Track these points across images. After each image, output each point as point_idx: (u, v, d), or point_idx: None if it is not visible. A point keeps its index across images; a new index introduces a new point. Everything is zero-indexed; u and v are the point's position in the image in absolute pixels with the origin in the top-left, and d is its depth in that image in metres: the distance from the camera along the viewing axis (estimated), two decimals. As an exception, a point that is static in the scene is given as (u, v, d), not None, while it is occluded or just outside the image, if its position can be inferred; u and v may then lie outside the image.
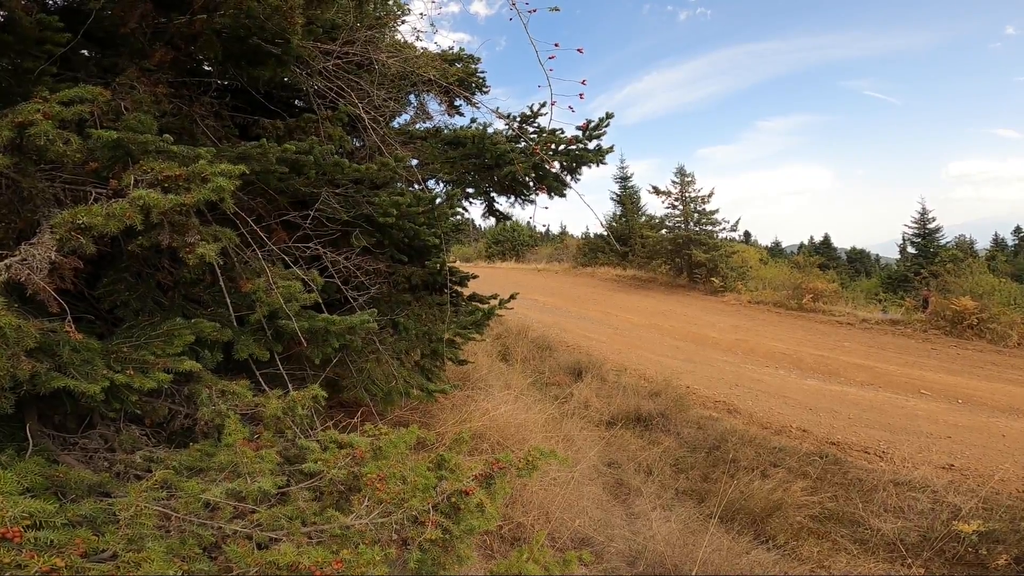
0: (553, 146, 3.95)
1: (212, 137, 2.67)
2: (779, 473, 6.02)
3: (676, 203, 19.23)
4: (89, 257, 2.24)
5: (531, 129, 4.29)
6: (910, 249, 23.37)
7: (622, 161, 23.81)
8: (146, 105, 2.36)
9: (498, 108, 4.38)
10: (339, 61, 3.49)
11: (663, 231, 19.67)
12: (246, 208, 2.40)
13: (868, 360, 10.36)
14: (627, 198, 22.89)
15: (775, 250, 30.49)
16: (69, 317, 1.68)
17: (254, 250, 2.25)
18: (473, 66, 4.63)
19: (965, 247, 21.87)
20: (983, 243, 26.14)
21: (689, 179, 19.08)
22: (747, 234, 30.05)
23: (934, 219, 23.13)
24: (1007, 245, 26.00)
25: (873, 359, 10.44)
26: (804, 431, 7.28)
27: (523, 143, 4.14)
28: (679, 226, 19.14)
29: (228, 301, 2.18)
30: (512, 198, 4.28)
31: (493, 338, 9.33)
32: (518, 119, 4.35)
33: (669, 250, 18.92)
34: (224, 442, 1.72)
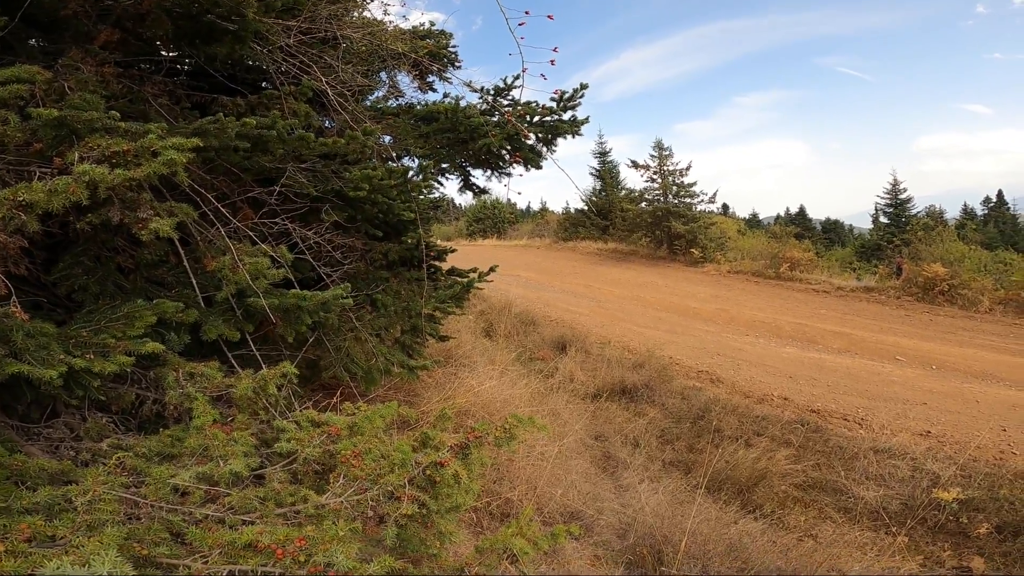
0: (528, 117, 3.88)
1: (167, 116, 2.55)
2: (763, 442, 6.10)
3: (655, 176, 19.24)
4: (44, 242, 2.14)
5: (505, 102, 4.20)
6: (882, 219, 23.92)
7: (600, 136, 23.73)
8: (92, 85, 2.23)
9: (471, 81, 4.28)
10: (302, 37, 3.35)
11: (643, 204, 19.72)
12: (208, 186, 2.31)
13: (844, 327, 10.59)
14: (606, 172, 22.83)
15: (753, 222, 30.83)
16: (14, 298, 1.59)
17: (218, 228, 2.16)
18: (445, 41, 4.51)
19: (935, 216, 22.39)
20: (953, 213, 26.75)
21: (667, 153, 19.08)
22: (725, 206, 30.35)
23: (905, 190, 23.64)
24: (976, 215, 26.66)
25: (849, 326, 10.67)
26: (785, 399, 7.41)
27: (497, 115, 4.06)
28: (658, 199, 19.20)
29: (194, 281, 2.11)
30: (488, 171, 4.21)
31: (476, 315, 9.31)
32: (492, 92, 4.25)
33: (649, 223, 19.00)
34: (193, 425, 1.68)
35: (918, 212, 22.88)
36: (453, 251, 4.17)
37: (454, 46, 4.55)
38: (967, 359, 8.73)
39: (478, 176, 4.36)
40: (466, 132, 3.74)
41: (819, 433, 6.32)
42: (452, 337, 5.72)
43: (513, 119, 3.66)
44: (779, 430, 6.40)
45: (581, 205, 22.81)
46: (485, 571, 1.82)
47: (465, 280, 3.64)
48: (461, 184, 4.46)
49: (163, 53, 3.13)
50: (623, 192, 22.00)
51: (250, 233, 2.32)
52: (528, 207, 40.41)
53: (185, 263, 2.09)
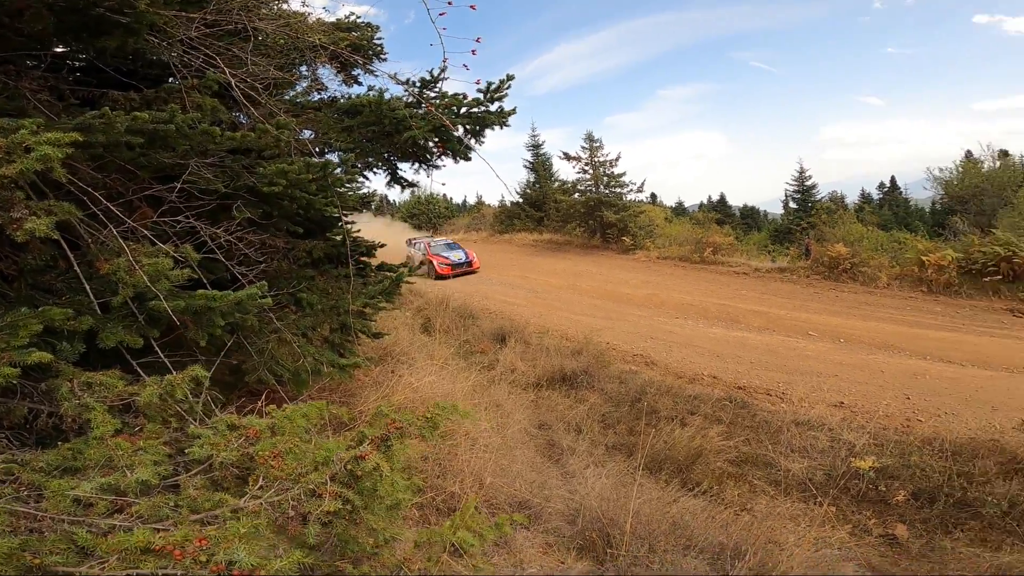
0: (455, 109, 3.86)
1: (47, 112, 2.33)
2: (696, 420, 6.28)
3: (586, 168, 19.70)
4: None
5: (432, 94, 4.16)
6: (792, 204, 25.97)
7: (533, 130, 24.04)
8: (-48, 83, 2.00)
9: (395, 74, 4.21)
10: (206, 29, 3.16)
11: (575, 195, 20.14)
12: (98, 184, 2.13)
13: (762, 306, 11.29)
14: (540, 165, 23.11)
15: (678, 210, 32.28)
16: None
17: (111, 228, 2.00)
18: (371, 33, 4.40)
19: (837, 201, 24.48)
20: (853, 198, 29.22)
21: (597, 144, 19.57)
22: (653, 196, 31.62)
23: (810, 177, 25.71)
24: (872, 199, 29.23)
25: (766, 304, 11.39)
26: (714, 378, 7.75)
27: (423, 108, 4.01)
28: (590, 189, 19.67)
29: (87, 287, 1.94)
30: (416, 164, 4.16)
31: (414, 311, 9.20)
32: (418, 84, 4.20)
33: (582, 213, 19.44)
34: (93, 436, 1.56)
35: (822, 197, 25.00)
36: (382, 246, 4.09)
37: (379, 38, 4.46)
38: (870, 332, 9.48)
39: (406, 169, 4.30)
40: (391, 125, 3.67)
41: (746, 409, 6.60)
42: (387, 334, 5.62)
43: (436, 110, 3.63)
44: (710, 408, 6.64)
45: (516, 198, 22.96)
46: (426, 567, 1.81)
47: (394, 275, 3.58)
48: (389, 178, 4.39)
49: (52, 48, 2.86)
50: (556, 184, 22.37)
51: (148, 233, 2.16)
52: (464, 201, 40.21)
53: (76, 267, 1.92)
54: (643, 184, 19.64)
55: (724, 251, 14.21)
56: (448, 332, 8.65)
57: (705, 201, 33.60)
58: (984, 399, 6.59)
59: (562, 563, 3.24)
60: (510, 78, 4.11)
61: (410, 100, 4.10)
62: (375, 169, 4.22)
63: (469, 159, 3.91)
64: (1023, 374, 7.46)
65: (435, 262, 15.93)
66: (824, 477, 5.22)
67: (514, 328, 9.20)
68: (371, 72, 4.46)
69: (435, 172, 4.12)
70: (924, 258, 11.03)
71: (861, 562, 4.04)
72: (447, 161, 3.99)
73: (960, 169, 21.84)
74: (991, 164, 25.52)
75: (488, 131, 3.97)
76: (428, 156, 4.02)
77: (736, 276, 14.00)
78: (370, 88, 4.38)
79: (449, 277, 15.44)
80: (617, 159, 19.50)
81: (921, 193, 25.84)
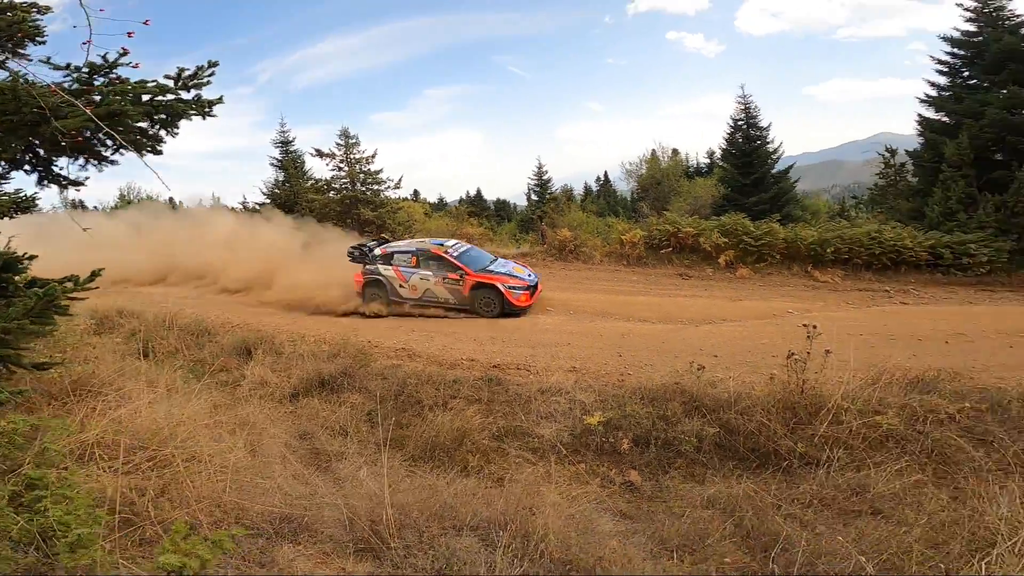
0: (134, 96, 3.30)
1: None
2: (458, 403, 6.53)
3: (342, 165, 19.01)
4: None
5: (103, 79, 3.49)
6: (533, 197, 29.96)
7: (283, 125, 21.98)
8: None
9: (50, 57, 3.43)
10: None
11: (331, 194, 19.28)
12: None
13: (511, 288, 12.52)
14: (290, 163, 21.41)
15: (440, 205, 33.80)
16: None
17: None
18: (23, 14, 3.47)
19: (567, 193, 29.12)
20: (579, 190, 34.91)
21: (354, 141, 19.06)
22: (416, 192, 32.48)
23: (547, 172, 29.94)
24: (592, 191, 35.39)
25: (514, 286, 12.68)
26: (472, 360, 8.17)
27: (97, 95, 3.35)
28: (346, 187, 19.07)
29: None
30: (84, 160, 3.43)
31: (126, 335, 7.64)
32: (86, 69, 3.47)
33: (338, 212, 18.76)
34: None
35: (555, 190, 29.46)
36: (33, 257, 3.26)
37: (34, 21, 3.55)
38: (591, 302, 11.30)
39: (65, 166, 3.51)
40: (36, 114, 2.95)
41: (501, 385, 7.03)
42: (75, 364, 4.57)
43: (109, 97, 3.05)
44: (470, 389, 6.93)
45: (262, 199, 20.81)
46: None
47: (42, 291, 2.84)
48: (40, 176, 3.52)
49: None
50: (309, 183, 21.05)
51: None
52: (200, 203, 34.72)
53: None
54: (400, 180, 19.82)
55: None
56: (176, 354, 7.45)
57: (464, 196, 35.80)
58: (669, 349, 8.22)
59: (343, 569, 3.11)
60: (212, 64, 3.70)
61: (74, 86, 3.39)
62: (22, 166, 3.34)
63: (159, 152, 3.40)
64: (693, 325, 9.75)
65: (501, 286, 10.35)
66: (571, 437, 5.62)
67: (261, 338, 8.40)
68: (22, 56, 3.56)
69: (107, 167, 3.47)
70: (623, 237, 13.82)
71: (613, 511, 4.32)
72: (128, 154, 3.40)
73: (645, 164, 27.74)
74: (666, 160, 32.76)
75: (185, 122, 3.52)
76: (101, 149, 3.37)
77: (488, 263, 15.27)
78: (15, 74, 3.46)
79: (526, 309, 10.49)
80: (374, 156, 19.28)
81: (624, 185, 32.20)
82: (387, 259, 11.04)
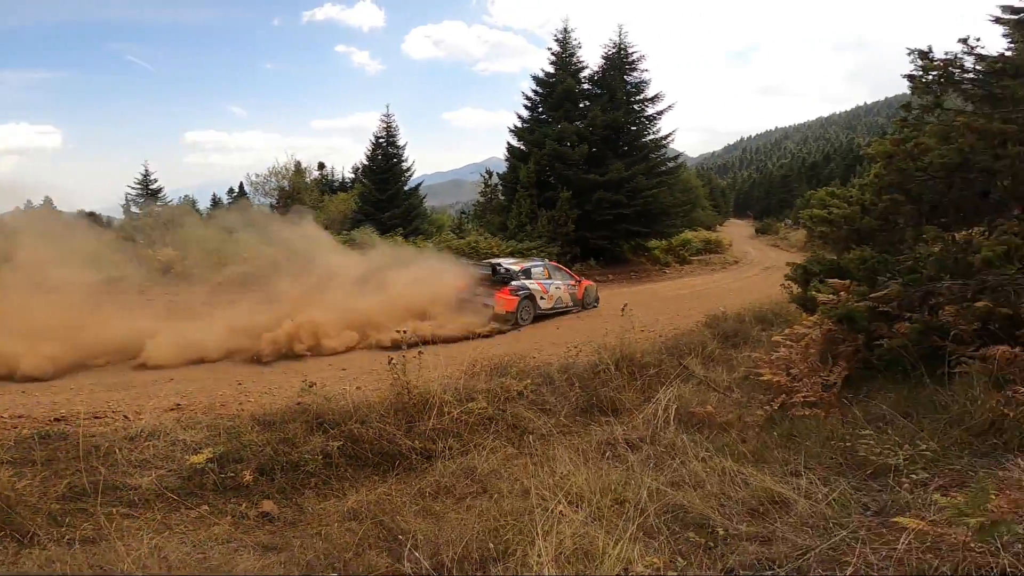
0: None
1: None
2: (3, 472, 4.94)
3: None
4: None
5: None
6: (134, 209, 24.91)
7: None
8: None
9: None
10: None
11: None
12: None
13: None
14: None
15: (-32, 217, 24.55)
16: None
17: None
18: None
19: (190, 204, 25.30)
20: (205, 203, 30.92)
21: None
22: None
23: (157, 180, 25.38)
24: (223, 203, 31.85)
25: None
26: (20, 417, 6.32)
27: None
28: None
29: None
30: None
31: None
32: None
33: None
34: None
35: (171, 201, 25.18)
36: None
37: None
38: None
39: None
40: None
41: (68, 440, 5.50)
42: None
43: None
44: (15, 453, 5.22)
45: None
46: None
47: None
48: None
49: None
50: None
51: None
52: None
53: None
54: None
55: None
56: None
57: (23, 207, 26.81)
58: (298, 370, 8.08)
59: None
60: None
61: None
62: None
63: None
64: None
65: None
66: (180, 481, 5.01)
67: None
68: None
69: None
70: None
71: (253, 546, 4.04)
72: None
73: (276, 177, 26.67)
74: (315, 173, 32.36)
75: None
76: None
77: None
78: None
79: None
80: None
81: (262, 198, 30.14)
82: (527, 274, 12.01)
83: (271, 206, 28.88)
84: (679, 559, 2.83)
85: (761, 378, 5.90)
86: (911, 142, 4.55)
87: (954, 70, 4.97)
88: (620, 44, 22.13)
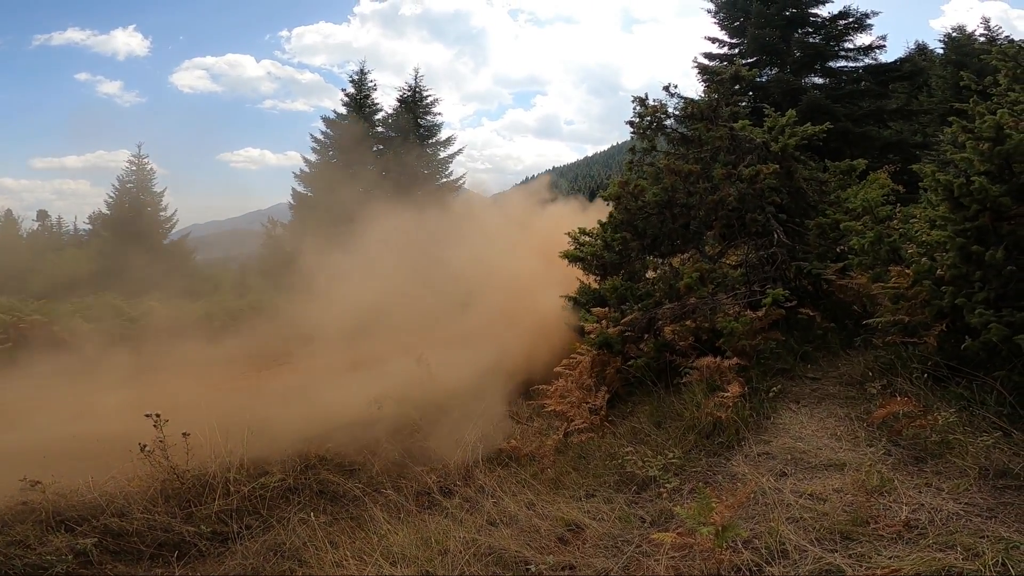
0: None
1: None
2: None
3: None
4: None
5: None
6: None
7: None
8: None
9: None
10: None
11: None
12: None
13: None
14: None
15: None
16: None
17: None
18: None
19: None
20: None
21: None
22: None
23: None
24: None
25: None
26: None
27: None
28: None
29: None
30: None
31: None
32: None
33: None
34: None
35: None
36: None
37: None
38: None
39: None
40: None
41: None
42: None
43: None
44: None
45: None
46: None
47: None
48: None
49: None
50: None
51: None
52: None
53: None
54: None
55: None
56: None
57: None
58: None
59: None
60: None
61: None
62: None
63: None
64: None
65: None
66: None
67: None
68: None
69: None
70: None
71: None
72: None
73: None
74: (31, 224, 25.87)
75: None
76: None
77: None
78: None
79: None
80: None
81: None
82: None
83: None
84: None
85: (546, 409, 6.20)
86: (632, 184, 5.31)
87: (661, 115, 5.96)
88: (415, 87, 22.55)
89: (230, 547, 4.76)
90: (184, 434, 5.50)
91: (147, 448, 5.31)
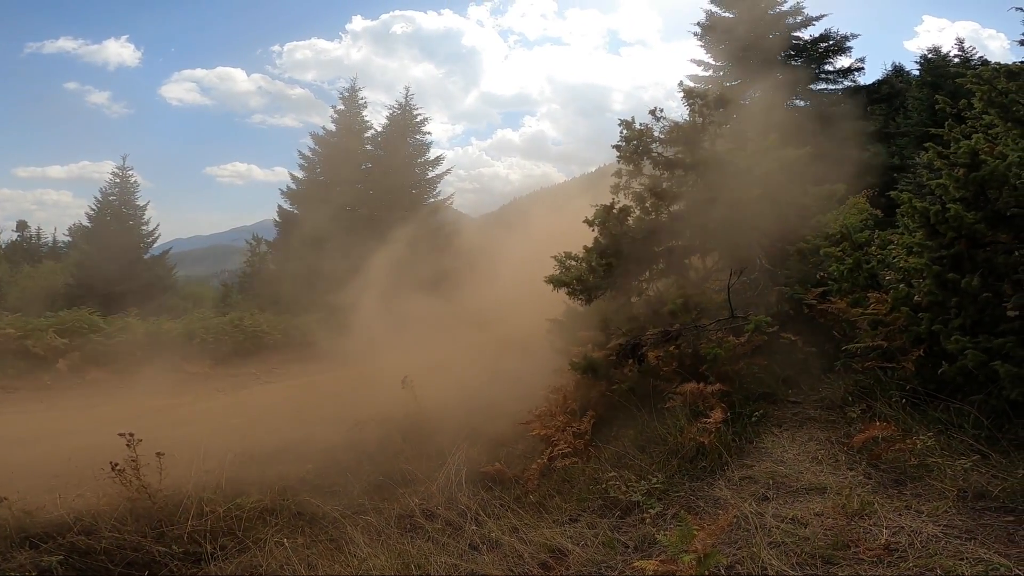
0: None
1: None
2: None
3: None
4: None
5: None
6: None
7: None
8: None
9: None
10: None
11: None
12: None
13: None
14: None
15: None
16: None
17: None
18: None
19: None
20: None
21: None
22: None
23: None
24: None
25: None
26: None
27: None
28: None
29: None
30: None
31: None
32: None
33: None
34: None
35: None
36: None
37: None
38: None
39: None
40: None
41: None
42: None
43: None
44: None
45: None
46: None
47: None
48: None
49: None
50: None
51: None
52: None
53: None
54: None
55: None
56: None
57: None
58: None
59: None
60: None
61: None
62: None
63: None
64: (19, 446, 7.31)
65: None
66: None
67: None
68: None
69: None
70: None
71: None
72: None
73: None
74: (10, 235, 25.33)
75: None
76: None
77: None
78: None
79: None
80: None
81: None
82: None
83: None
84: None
85: (531, 433, 6.14)
86: (617, 208, 5.38)
87: (647, 139, 6.05)
88: (405, 106, 22.62)
89: (203, 568, 4.63)
90: (158, 454, 5.28)
91: (118, 467, 5.10)
